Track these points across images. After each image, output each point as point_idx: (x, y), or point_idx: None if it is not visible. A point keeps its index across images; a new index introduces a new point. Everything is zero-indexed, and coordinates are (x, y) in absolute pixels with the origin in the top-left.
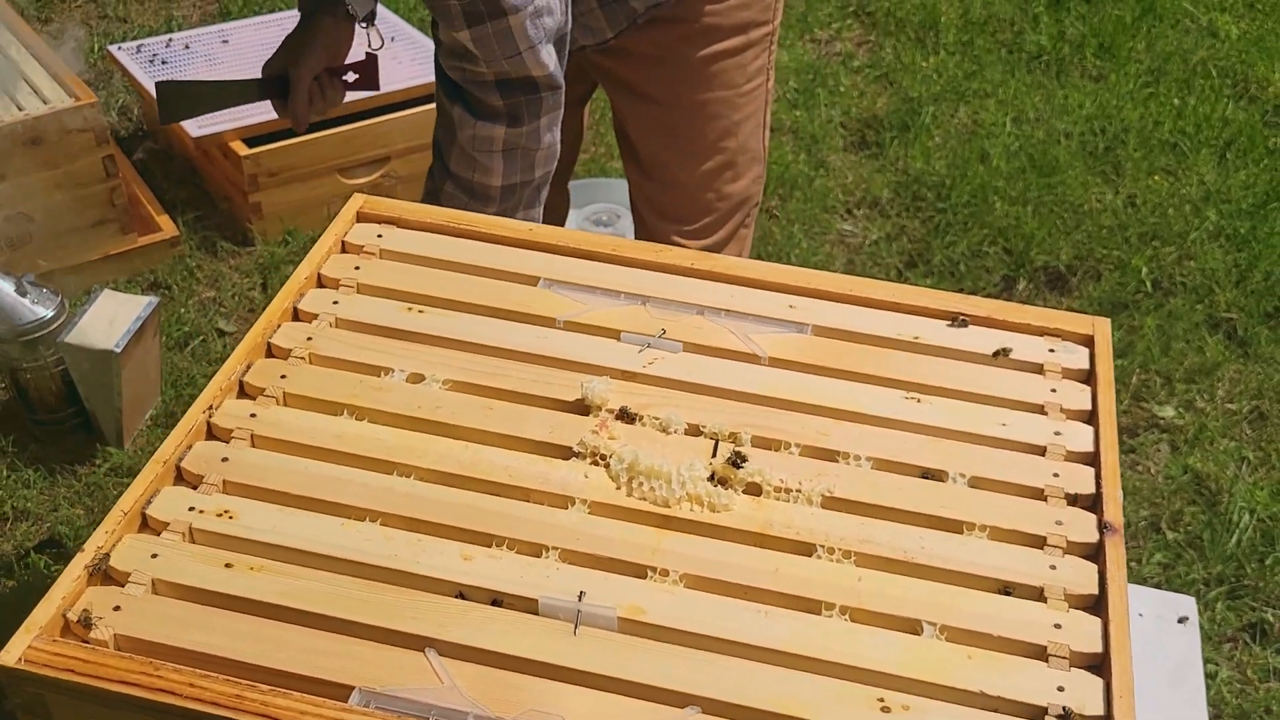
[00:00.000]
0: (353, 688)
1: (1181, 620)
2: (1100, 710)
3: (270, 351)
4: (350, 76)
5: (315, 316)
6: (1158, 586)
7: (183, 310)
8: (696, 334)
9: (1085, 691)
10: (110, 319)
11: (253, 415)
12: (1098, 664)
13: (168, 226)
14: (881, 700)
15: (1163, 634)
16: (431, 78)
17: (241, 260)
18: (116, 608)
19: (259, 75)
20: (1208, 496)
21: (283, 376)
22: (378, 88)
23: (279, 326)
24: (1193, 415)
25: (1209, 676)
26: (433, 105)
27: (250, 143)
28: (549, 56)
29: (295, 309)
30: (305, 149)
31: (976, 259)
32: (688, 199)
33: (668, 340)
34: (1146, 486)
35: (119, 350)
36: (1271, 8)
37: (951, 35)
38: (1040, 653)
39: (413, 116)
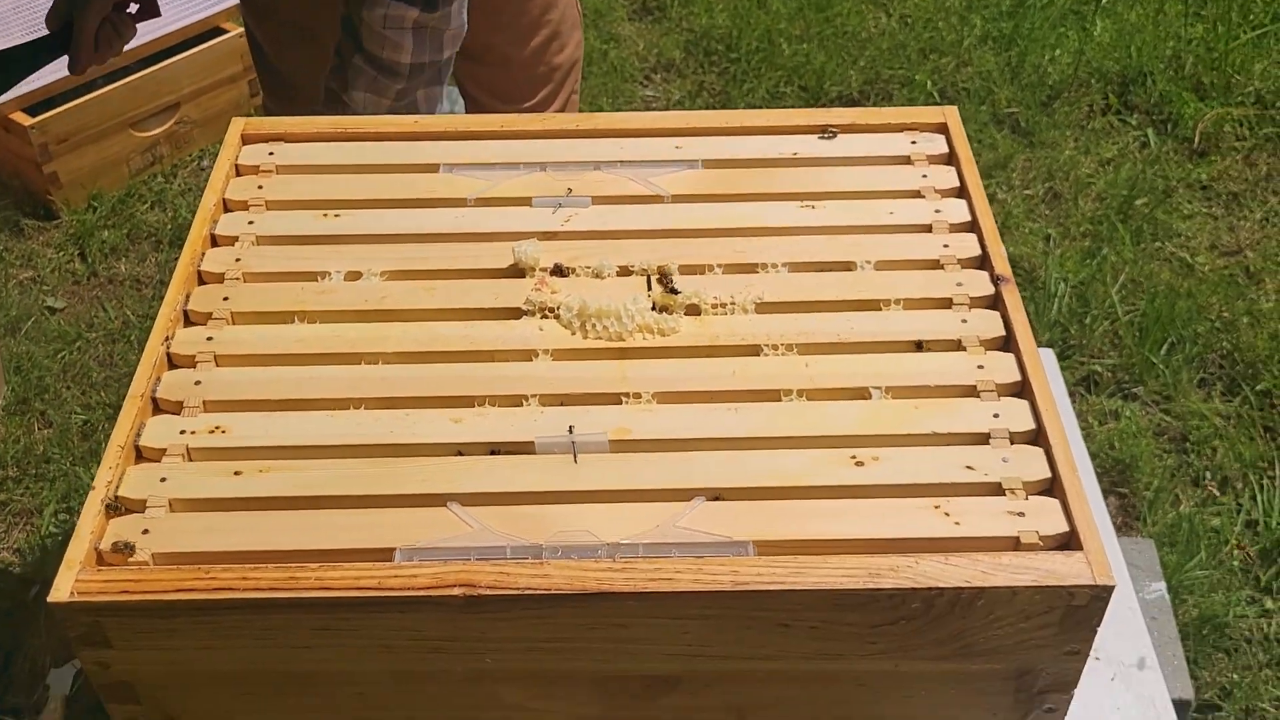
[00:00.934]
0: (394, 549)
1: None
2: (1033, 425)
3: (203, 279)
4: (133, 8)
5: (235, 239)
6: None
7: (3, 295)
8: (600, 187)
9: (1016, 414)
10: None
11: (209, 339)
12: (1019, 390)
13: None
14: (854, 457)
15: None
16: (211, 10)
17: (51, 234)
18: (145, 531)
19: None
20: (1026, 274)
21: (225, 299)
22: (159, 13)
23: (203, 254)
24: (997, 206)
25: None
26: (217, 40)
27: (31, 111)
28: None
29: (213, 235)
30: (92, 108)
31: (776, 100)
32: (522, 77)
33: (576, 197)
34: None
35: None
36: None
37: None
38: (972, 391)
39: (198, 55)
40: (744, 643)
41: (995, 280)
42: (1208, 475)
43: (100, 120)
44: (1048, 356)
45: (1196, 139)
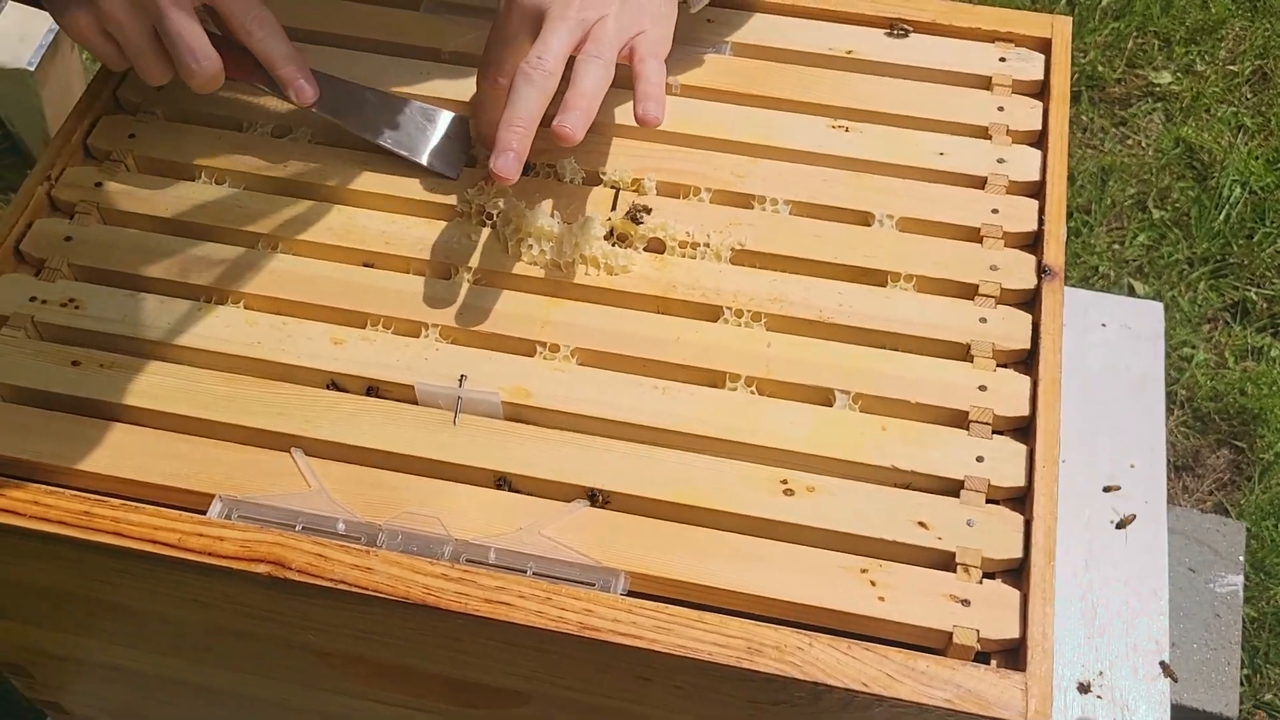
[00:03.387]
0: (213, 495)
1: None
2: (1021, 481)
3: (120, 105)
4: None
5: None
6: (1139, 269)
7: None
8: None
9: (1006, 462)
10: (20, 35)
11: (98, 185)
12: (1023, 428)
13: None
14: (785, 482)
15: (1126, 343)
16: None
17: None
18: None
19: None
20: (1199, 170)
21: (131, 135)
22: None
23: (125, 76)
24: (1191, 80)
25: (1185, 360)
26: None
27: None
28: None
29: None
30: None
31: None
32: None
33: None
34: (1135, 162)
35: (34, 68)
36: None
37: None
38: (962, 419)
39: None
40: (598, 683)
41: (1040, 271)
42: None
43: None
44: (1152, 311)
45: None
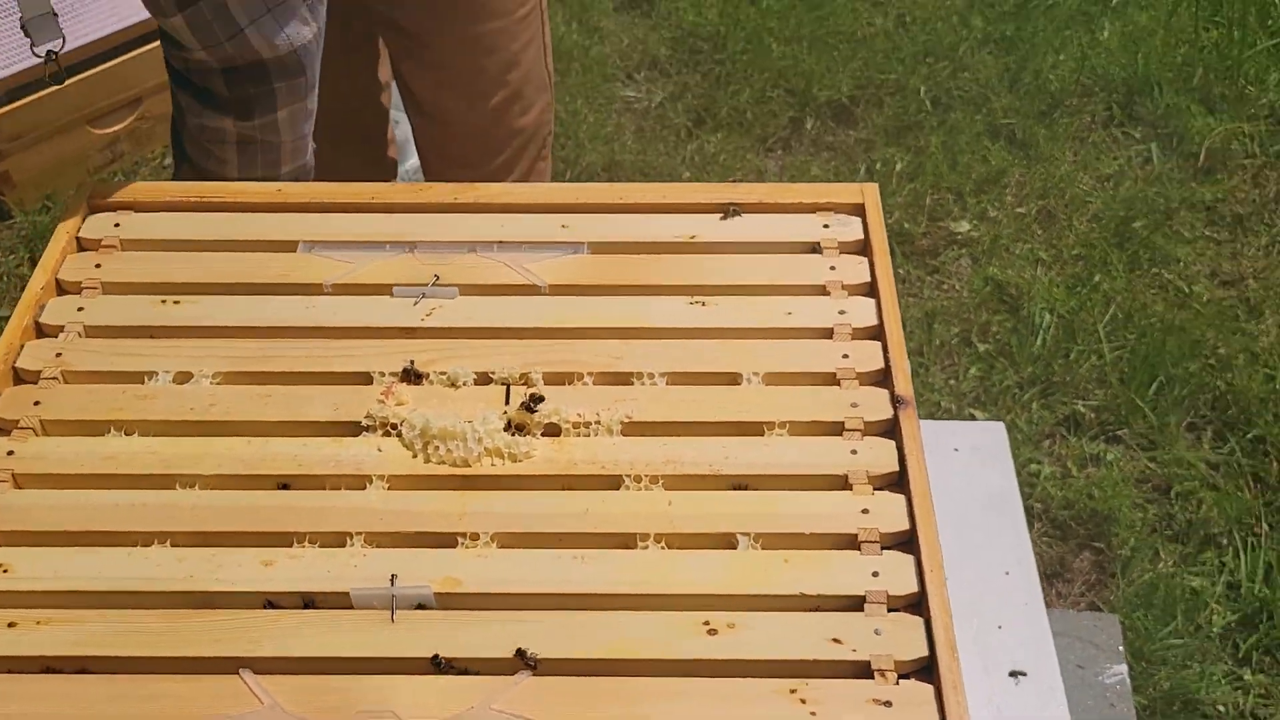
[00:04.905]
0: None
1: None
2: (914, 587)
3: (18, 377)
4: None
5: (61, 329)
6: (976, 399)
7: None
8: (471, 274)
9: (898, 572)
10: None
11: (10, 453)
12: (907, 539)
13: None
14: (707, 623)
15: (979, 463)
16: None
17: (1, 236)
18: None
19: None
20: (1010, 303)
21: (36, 403)
22: None
23: (21, 348)
24: (987, 225)
25: (1033, 475)
26: None
27: None
28: (283, 36)
29: (38, 324)
30: (47, 104)
31: (762, 105)
32: (475, 141)
33: (442, 287)
34: (954, 304)
35: None
36: None
37: None
38: (852, 541)
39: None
40: None
41: (895, 402)
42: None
43: (56, 117)
44: (996, 431)
45: (1202, 156)
